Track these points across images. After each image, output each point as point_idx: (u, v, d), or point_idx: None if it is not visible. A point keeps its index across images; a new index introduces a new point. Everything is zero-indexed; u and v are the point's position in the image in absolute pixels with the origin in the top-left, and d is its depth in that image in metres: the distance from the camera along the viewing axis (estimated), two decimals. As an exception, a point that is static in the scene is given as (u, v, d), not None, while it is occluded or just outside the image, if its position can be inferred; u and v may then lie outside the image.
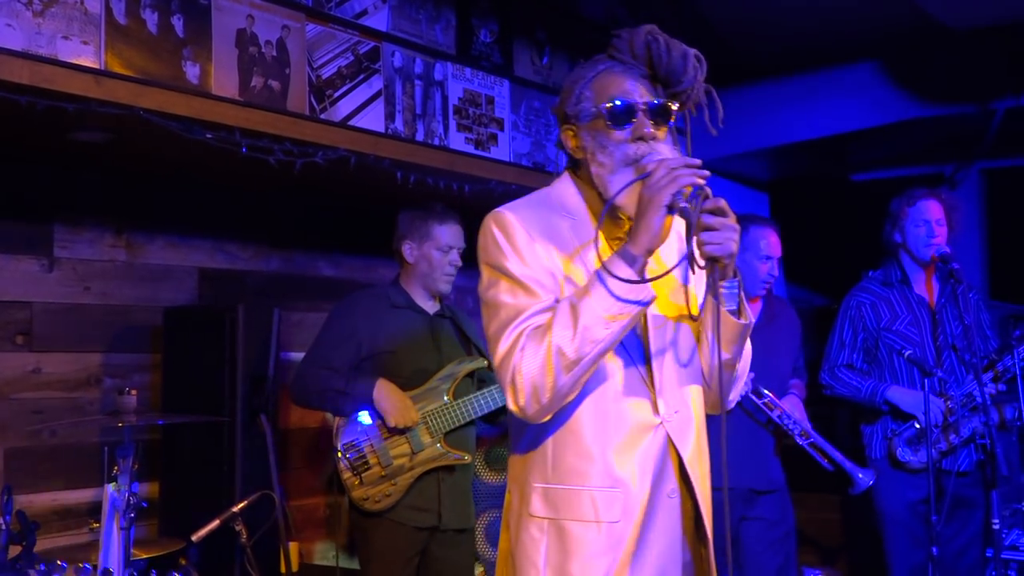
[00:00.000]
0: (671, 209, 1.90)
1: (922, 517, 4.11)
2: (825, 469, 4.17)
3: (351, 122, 3.95)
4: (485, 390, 3.79)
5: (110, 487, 2.97)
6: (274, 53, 3.68)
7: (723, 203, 1.92)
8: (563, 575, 2.03)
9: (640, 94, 2.04)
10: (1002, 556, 4.10)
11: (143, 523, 4.04)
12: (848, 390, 4.26)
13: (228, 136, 3.54)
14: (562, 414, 2.03)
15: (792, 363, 4.35)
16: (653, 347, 2.08)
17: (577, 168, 2.16)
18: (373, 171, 4.07)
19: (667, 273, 2.00)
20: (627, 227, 2.02)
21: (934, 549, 3.75)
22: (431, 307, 3.88)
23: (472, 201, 4.58)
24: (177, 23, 3.38)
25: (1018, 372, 3.93)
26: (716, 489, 4.13)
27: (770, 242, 4.18)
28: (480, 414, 3.76)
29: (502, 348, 1.98)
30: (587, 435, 2.03)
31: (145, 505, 3.11)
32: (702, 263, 1.96)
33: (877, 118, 5.46)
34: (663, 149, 2.02)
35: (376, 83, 4.06)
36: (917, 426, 4.12)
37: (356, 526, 3.75)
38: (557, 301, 2.00)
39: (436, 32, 4.34)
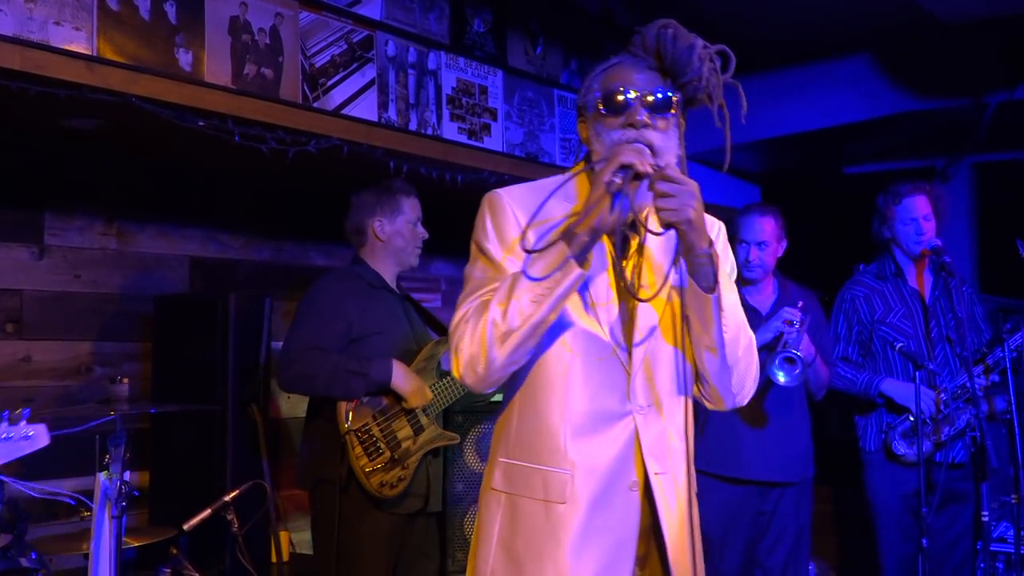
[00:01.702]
0: (609, 186, 1.90)
1: (913, 510, 4.12)
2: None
3: (344, 111, 3.93)
4: None
5: (101, 476, 2.96)
6: (267, 41, 3.67)
7: (675, 170, 1.95)
8: (511, 550, 2.06)
9: (640, 83, 2.05)
10: (991, 548, 4.12)
11: (134, 512, 4.03)
12: (843, 383, 4.27)
13: (220, 124, 3.53)
14: (528, 391, 2.08)
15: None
16: (637, 337, 2.08)
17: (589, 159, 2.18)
18: (366, 160, 4.06)
19: (586, 245, 1.94)
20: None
21: (924, 541, 3.76)
22: (396, 287, 3.82)
23: (465, 191, 4.57)
24: (170, 10, 3.36)
25: (1008, 364, 3.94)
26: (703, 473, 4.10)
27: (753, 227, 4.13)
28: (461, 395, 3.76)
29: (455, 319, 2.05)
30: (547, 414, 2.06)
31: (136, 494, 3.11)
32: (658, 230, 1.98)
33: (869, 111, 5.46)
34: (653, 137, 2.01)
35: (369, 72, 4.04)
36: (911, 419, 4.13)
37: (344, 516, 3.56)
38: None
39: (430, 21, 4.32)
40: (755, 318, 4.01)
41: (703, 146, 5.62)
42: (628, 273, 2.11)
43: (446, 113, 4.36)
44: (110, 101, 3.21)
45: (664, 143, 2.03)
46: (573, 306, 2.05)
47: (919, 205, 4.24)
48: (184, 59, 3.40)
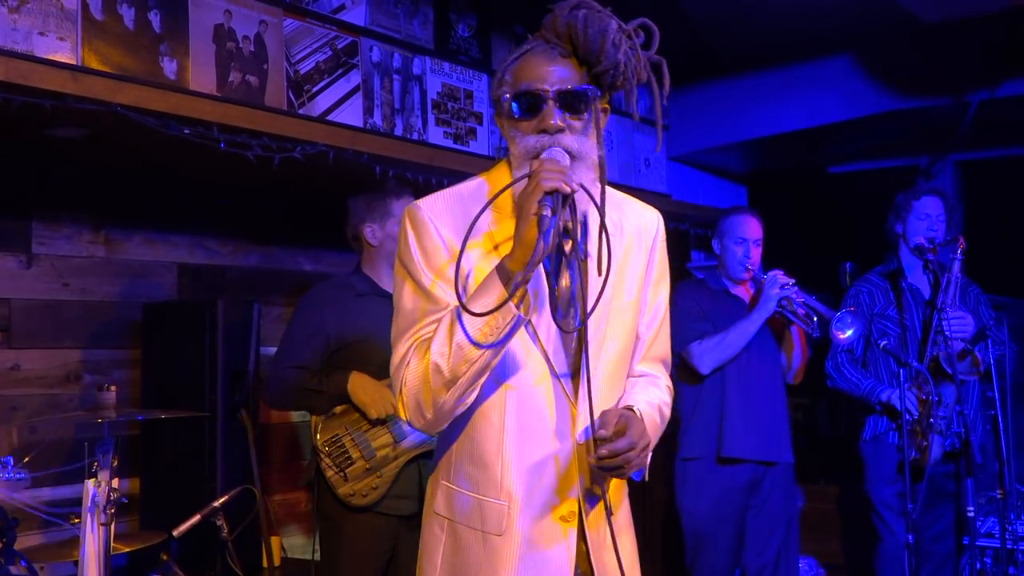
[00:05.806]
0: (542, 222, 1.71)
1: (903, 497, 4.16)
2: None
3: (329, 117, 3.95)
4: None
5: (90, 483, 2.97)
6: (252, 48, 3.68)
7: (611, 436, 1.79)
8: None
9: (553, 80, 1.86)
10: (977, 543, 4.15)
11: (124, 519, 4.04)
12: (847, 384, 4.32)
13: (206, 132, 3.53)
14: (464, 418, 1.96)
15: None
16: (584, 361, 1.90)
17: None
18: (352, 166, 4.07)
19: (521, 284, 1.76)
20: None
21: (910, 537, 3.79)
22: None
23: (451, 195, 4.58)
24: (154, 18, 3.38)
25: (992, 361, 3.98)
26: (696, 459, 4.14)
27: (744, 225, 4.22)
28: None
29: (394, 359, 1.91)
30: (483, 443, 1.95)
31: (125, 501, 3.11)
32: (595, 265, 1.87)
33: (853, 111, 5.50)
34: (568, 142, 1.85)
35: (354, 78, 4.06)
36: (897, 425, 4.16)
37: (327, 518, 3.61)
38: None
39: (414, 27, 4.34)
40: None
41: (688, 147, 5.66)
42: (562, 292, 1.94)
43: (431, 118, 4.38)
44: (95, 110, 3.21)
45: (581, 146, 1.87)
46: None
47: (936, 205, 4.33)
48: (169, 67, 3.42)
